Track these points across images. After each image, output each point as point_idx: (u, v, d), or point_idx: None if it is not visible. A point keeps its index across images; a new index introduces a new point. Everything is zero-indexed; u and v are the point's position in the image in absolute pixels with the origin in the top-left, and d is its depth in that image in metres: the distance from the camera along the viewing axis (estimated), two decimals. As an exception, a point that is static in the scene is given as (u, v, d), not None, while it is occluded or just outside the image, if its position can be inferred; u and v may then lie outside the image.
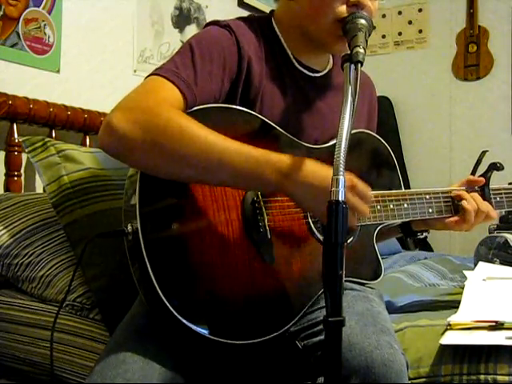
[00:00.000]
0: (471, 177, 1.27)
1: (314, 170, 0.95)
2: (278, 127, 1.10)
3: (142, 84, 1.01)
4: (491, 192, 1.27)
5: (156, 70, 1.02)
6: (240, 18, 1.15)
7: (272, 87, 1.12)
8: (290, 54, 1.17)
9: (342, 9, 1.07)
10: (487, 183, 1.26)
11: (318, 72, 1.21)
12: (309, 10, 1.10)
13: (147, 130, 0.91)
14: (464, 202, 1.20)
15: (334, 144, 1.15)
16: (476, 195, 1.23)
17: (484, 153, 1.28)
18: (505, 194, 1.30)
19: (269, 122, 1.09)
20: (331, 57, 1.26)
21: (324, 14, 1.08)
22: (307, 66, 1.19)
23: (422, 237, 1.29)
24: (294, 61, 1.17)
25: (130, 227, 0.96)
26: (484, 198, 1.23)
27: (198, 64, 1.02)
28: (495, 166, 1.26)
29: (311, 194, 0.94)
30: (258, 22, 1.16)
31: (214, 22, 1.13)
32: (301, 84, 1.17)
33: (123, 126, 0.91)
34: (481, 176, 1.27)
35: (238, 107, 1.07)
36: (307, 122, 1.17)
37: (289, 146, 1.11)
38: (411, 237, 1.29)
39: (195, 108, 1.01)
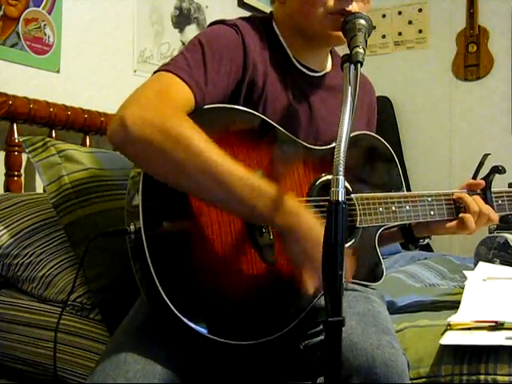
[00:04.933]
0: (472, 180, 1.27)
1: (309, 225, 0.94)
2: (281, 128, 1.10)
3: (154, 80, 1.01)
4: (493, 195, 1.26)
5: (168, 65, 1.02)
6: (243, 18, 1.16)
7: (275, 88, 1.13)
8: (290, 54, 1.17)
9: (334, 2, 1.08)
10: (489, 186, 1.26)
11: (316, 72, 1.21)
12: (300, 7, 1.12)
13: (157, 134, 0.91)
14: (465, 205, 1.19)
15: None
16: (477, 198, 1.22)
17: (486, 156, 1.28)
18: (506, 197, 1.29)
19: (272, 122, 1.09)
20: (330, 58, 1.26)
21: (314, 8, 1.09)
22: (306, 66, 1.19)
23: (423, 243, 1.29)
24: (294, 60, 1.18)
25: (132, 227, 0.96)
26: (486, 202, 1.23)
27: (208, 63, 1.03)
28: (497, 169, 1.26)
29: (300, 246, 0.94)
30: (260, 23, 1.17)
31: (221, 21, 1.13)
32: (301, 84, 1.18)
33: (136, 124, 0.91)
34: (482, 179, 1.27)
35: (242, 108, 1.07)
36: (307, 122, 1.17)
37: (291, 148, 1.11)
38: (413, 243, 1.29)
39: (205, 107, 1.02)
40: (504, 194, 1.29)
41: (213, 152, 0.92)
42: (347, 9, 1.08)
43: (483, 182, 1.26)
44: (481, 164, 1.28)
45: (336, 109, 1.18)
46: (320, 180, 1.12)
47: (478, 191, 1.26)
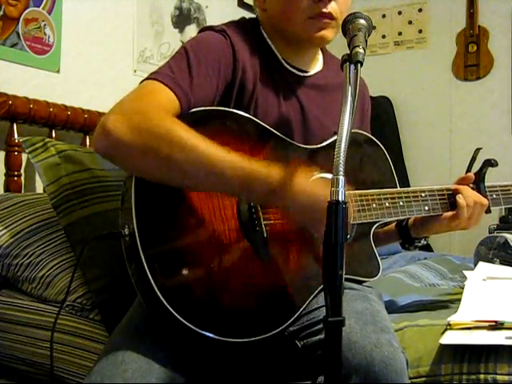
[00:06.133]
0: (463, 175, 1.28)
1: (304, 186, 0.96)
2: (272, 129, 1.11)
3: (138, 88, 1.02)
4: (487, 189, 1.27)
5: (152, 74, 1.04)
6: (232, 23, 1.18)
7: (265, 90, 1.14)
8: (278, 55, 1.19)
9: (311, 6, 1.10)
10: (482, 179, 1.26)
11: (306, 72, 1.22)
12: (280, 14, 1.14)
13: (140, 134, 0.92)
14: (459, 196, 1.20)
15: (328, 144, 1.18)
16: (467, 187, 1.23)
17: (478, 150, 1.28)
18: (501, 191, 1.29)
19: (263, 124, 1.10)
20: (321, 58, 1.26)
21: (294, 15, 1.12)
22: (295, 66, 1.20)
23: (419, 245, 1.29)
24: (283, 61, 1.19)
25: (126, 230, 0.96)
26: (480, 195, 1.23)
27: (193, 69, 1.04)
28: (490, 163, 1.26)
29: (300, 210, 0.96)
30: (249, 26, 1.18)
31: (209, 27, 1.15)
32: (291, 84, 1.19)
33: (118, 129, 0.92)
34: (476, 173, 1.27)
35: (233, 110, 1.08)
36: (299, 122, 1.18)
37: (283, 148, 1.12)
38: (410, 244, 1.29)
39: (192, 111, 1.03)
40: (498, 188, 1.29)
41: (198, 141, 0.93)
42: (326, 11, 1.10)
43: (472, 174, 1.26)
44: (473, 159, 1.29)
45: (328, 107, 1.20)
46: (313, 178, 1.12)
47: (471, 185, 1.26)
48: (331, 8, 1.11)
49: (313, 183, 0.99)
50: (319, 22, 1.11)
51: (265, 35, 1.19)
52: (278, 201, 0.96)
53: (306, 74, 1.22)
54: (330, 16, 1.11)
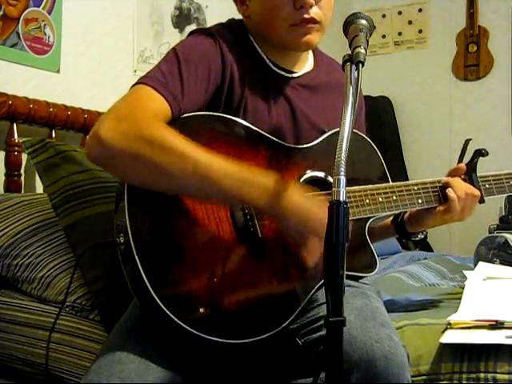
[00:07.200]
0: (454, 167, 1.28)
1: (297, 200, 0.98)
2: (262, 132, 1.11)
3: (130, 93, 1.02)
4: (479, 180, 1.27)
5: (143, 78, 1.04)
6: (221, 25, 1.18)
7: (254, 92, 1.14)
8: (265, 59, 1.18)
9: (293, 14, 1.10)
10: (474, 170, 1.26)
11: (295, 73, 1.22)
12: (262, 23, 1.15)
13: (133, 142, 0.92)
14: (449, 190, 1.20)
15: (317, 143, 1.17)
16: (458, 179, 1.23)
17: (468, 141, 1.28)
18: (493, 180, 1.29)
19: (253, 127, 1.10)
20: (312, 58, 1.27)
21: (277, 23, 1.12)
22: (284, 68, 1.20)
23: (417, 239, 1.29)
24: (270, 65, 1.19)
25: (122, 238, 0.96)
26: (473, 185, 1.24)
27: (184, 74, 1.04)
28: (480, 153, 1.26)
29: (292, 222, 0.98)
30: (236, 28, 1.19)
31: (198, 30, 1.16)
32: (280, 86, 1.19)
33: (110, 137, 0.92)
34: (467, 164, 1.27)
35: (222, 115, 1.08)
36: (289, 123, 1.18)
37: (273, 149, 1.12)
38: (407, 239, 1.30)
39: (183, 116, 1.03)
40: (490, 178, 1.29)
41: (191, 148, 0.93)
42: (307, 17, 1.10)
43: (463, 165, 1.26)
44: (464, 150, 1.28)
45: (319, 107, 1.20)
46: (304, 177, 1.13)
47: (463, 176, 1.26)
48: (313, 13, 1.10)
49: (305, 200, 1.00)
50: (303, 28, 1.11)
51: (251, 38, 1.19)
52: (271, 209, 0.97)
53: (294, 75, 1.21)
54: (313, 20, 1.11)
